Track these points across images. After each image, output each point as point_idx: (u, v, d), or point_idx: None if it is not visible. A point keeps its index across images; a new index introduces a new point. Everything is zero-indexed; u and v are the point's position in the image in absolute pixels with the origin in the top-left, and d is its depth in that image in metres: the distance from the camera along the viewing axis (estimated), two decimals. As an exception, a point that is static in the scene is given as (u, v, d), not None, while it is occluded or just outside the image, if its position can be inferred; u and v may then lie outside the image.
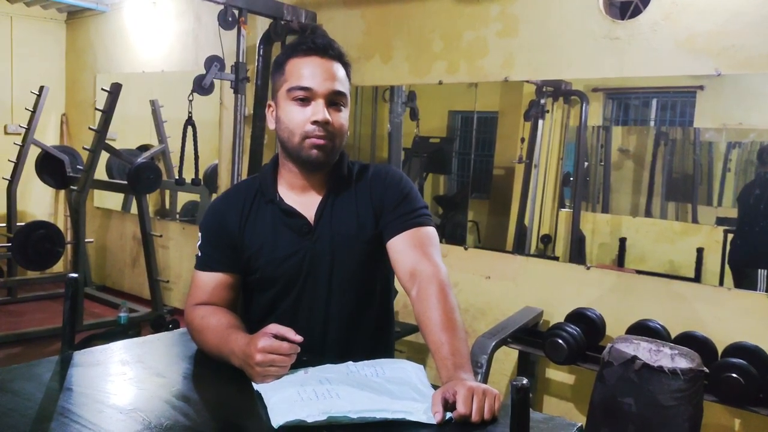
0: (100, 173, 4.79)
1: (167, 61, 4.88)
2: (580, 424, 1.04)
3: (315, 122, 1.30)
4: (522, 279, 3.21)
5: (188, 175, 3.96)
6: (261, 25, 3.87)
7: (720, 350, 2.50)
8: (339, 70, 1.35)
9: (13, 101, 5.47)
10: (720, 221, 2.82)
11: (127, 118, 4.91)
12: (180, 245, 4.86)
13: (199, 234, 1.43)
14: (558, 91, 3.21)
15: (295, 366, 1.17)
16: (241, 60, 3.55)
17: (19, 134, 5.09)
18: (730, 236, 2.77)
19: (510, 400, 0.89)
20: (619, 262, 3.06)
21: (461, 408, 1.00)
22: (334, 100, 1.33)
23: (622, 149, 3.19)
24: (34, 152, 4.93)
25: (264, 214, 1.39)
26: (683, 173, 3.01)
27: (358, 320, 1.40)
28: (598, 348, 2.57)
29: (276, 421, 0.98)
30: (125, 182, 4.42)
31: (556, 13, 3.04)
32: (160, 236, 4.71)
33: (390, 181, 1.41)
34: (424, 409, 1.02)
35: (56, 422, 0.98)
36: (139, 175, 4.27)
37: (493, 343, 2.56)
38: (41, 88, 5.00)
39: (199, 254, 1.41)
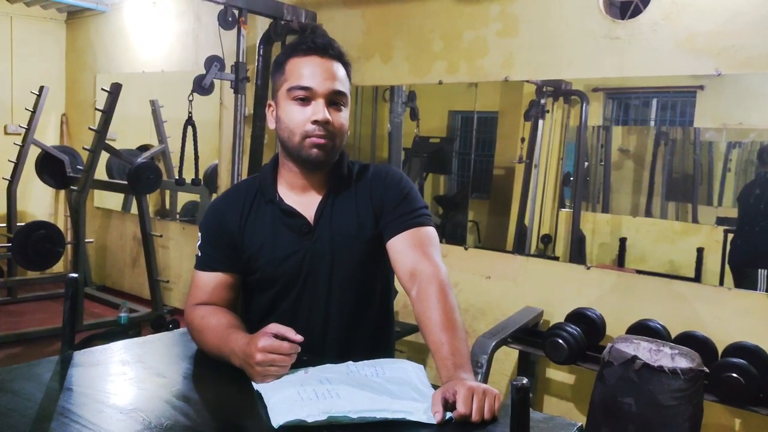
0: (100, 173, 4.79)
1: (167, 61, 4.89)
2: (580, 424, 1.04)
3: (315, 122, 1.30)
4: (522, 279, 3.21)
5: (188, 175, 3.96)
6: (261, 25, 3.87)
7: (720, 350, 2.50)
8: (339, 69, 1.35)
9: (13, 101, 5.47)
10: (720, 221, 2.82)
11: (127, 118, 4.91)
12: (180, 245, 4.86)
13: (199, 234, 1.43)
14: (558, 90, 3.21)
15: (296, 366, 1.17)
16: (241, 60, 3.55)
17: (19, 134, 5.09)
18: (730, 236, 2.77)
19: (510, 400, 0.88)
20: (620, 262, 3.06)
21: (461, 408, 1.00)
22: (334, 100, 1.33)
23: (623, 149, 3.19)
24: (34, 152, 4.93)
25: (264, 214, 1.39)
26: (683, 173, 3.01)
27: (358, 320, 1.40)
28: (599, 348, 2.57)
29: (276, 421, 0.98)
30: (125, 182, 4.42)
31: (557, 13, 3.04)
32: (161, 236, 4.71)
33: (390, 181, 1.41)
34: (424, 409, 1.02)
35: (56, 422, 0.98)
36: (139, 175, 4.27)
37: (494, 343, 2.56)
38: (41, 88, 5.00)
39: (199, 254, 1.41)
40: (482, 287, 3.33)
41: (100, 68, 5.49)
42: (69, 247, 4.84)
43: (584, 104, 3.13)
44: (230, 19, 3.40)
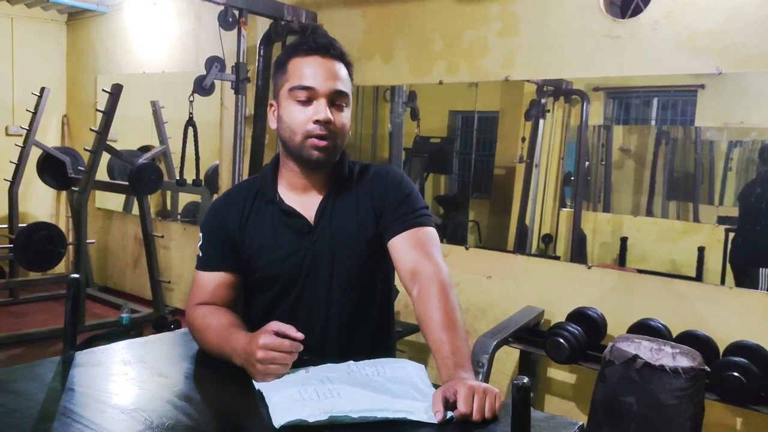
0: (102, 174, 4.80)
1: (168, 61, 4.89)
2: (581, 423, 1.04)
3: (317, 121, 1.30)
4: (523, 278, 3.21)
5: (189, 176, 3.97)
6: (261, 25, 3.87)
7: (721, 349, 2.50)
8: (341, 69, 1.35)
9: (14, 102, 5.48)
10: (721, 220, 2.82)
11: (128, 119, 4.92)
12: (181, 246, 4.86)
13: (200, 234, 1.43)
14: (559, 90, 3.21)
15: (296, 365, 1.17)
16: (241, 60, 3.55)
17: (21, 135, 5.10)
18: (731, 235, 2.77)
19: (511, 399, 0.89)
20: (621, 262, 3.06)
21: (462, 407, 1.00)
22: (335, 100, 1.33)
23: (623, 148, 3.18)
24: (35, 153, 4.94)
25: (264, 215, 1.39)
26: (684, 172, 3.01)
27: (358, 320, 1.40)
28: (600, 347, 2.57)
29: (277, 421, 0.98)
30: (126, 183, 4.43)
31: (557, 12, 3.04)
32: (162, 237, 4.71)
33: (391, 181, 1.41)
34: (425, 409, 1.02)
35: (58, 422, 0.98)
36: (140, 176, 4.27)
37: (495, 343, 2.56)
38: (42, 90, 5.01)
39: (200, 254, 1.41)
40: (483, 287, 3.33)
41: (101, 69, 5.49)
42: (70, 247, 4.85)
43: (585, 104, 3.13)
44: (230, 19, 3.40)
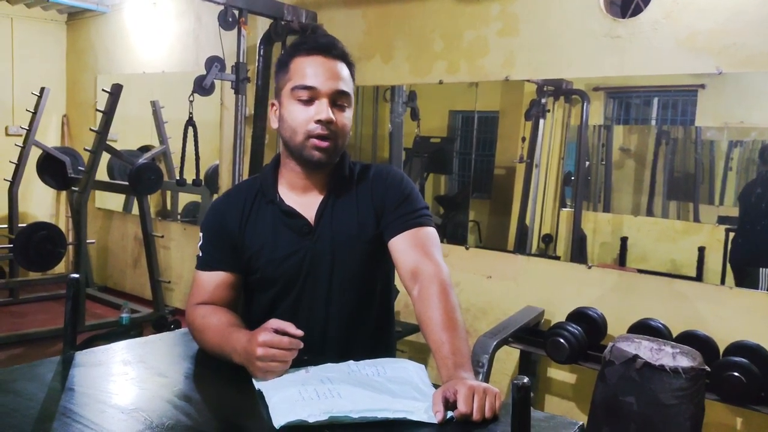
0: (102, 174, 4.80)
1: (168, 61, 4.89)
2: (581, 423, 1.04)
3: (318, 121, 1.30)
4: (523, 278, 3.21)
5: (189, 176, 3.97)
6: (261, 25, 3.87)
7: (721, 349, 2.50)
8: (343, 69, 1.35)
9: (14, 102, 5.48)
10: (721, 220, 2.82)
11: (127, 119, 4.92)
12: (181, 246, 4.86)
13: (201, 234, 1.43)
14: (559, 90, 3.21)
15: (296, 365, 1.17)
16: (241, 60, 3.55)
17: (20, 135, 5.10)
18: (731, 235, 2.77)
19: (511, 399, 0.88)
20: (621, 262, 3.06)
21: (462, 407, 1.00)
22: (337, 100, 1.33)
23: (624, 148, 3.18)
24: (35, 153, 4.94)
25: (264, 215, 1.39)
26: (685, 172, 3.01)
27: (358, 320, 1.40)
28: (600, 347, 2.57)
29: (277, 421, 0.98)
30: (126, 183, 4.43)
31: (557, 12, 3.04)
32: (162, 237, 4.71)
33: (391, 181, 1.41)
34: (425, 408, 1.02)
35: (58, 422, 0.98)
36: (140, 175, 4.27)
37: (495, 343, 2.56)
38: (42, 90, 5.01)
39: (200, 254, 1.41)
40: (483, 287, 3.33)
41: (101, 69, 5.49)
42: (70, 247, 4.85)
43: (585, 103, 3.13)
44: (230, 19, 3.40)
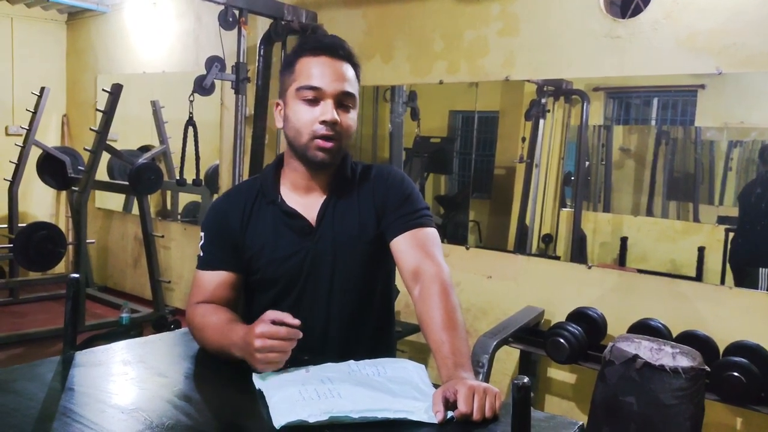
0: (102, 174, 4.80)
1: (168, 61, 4.89)
2: (581, 423, 1.04)
3: (323, 122, 1.30)
4: (523, 278, 3.21)
5: (189, 176, 3.97)
6: (261, 25, 3.87)
7: (721, 349, 2.50)
8: (348, 70, 1.35)
9: (14, 102, 5.48)
10: (721, 220, 2.82)
11: (128, 118, 4.92)
12: (181, 246, 4.86)
13: (201, 234, 1.43)
14: (559, 90, 3.21)
15: (297, 365, 1.17)
16: (241, 60, 3.56)
17: (20, 135, 5.10)
18: (731, 235, 2.77)
19: (511, 399, 0.89)
20: (621, 262, 3.06)
21: (462, 407, 1.00)
22: (343, 101, 1.33)
23: (624, 148, 3.18)
24: (35, 153, 4.94)
25: (265, 215, 1.40)
26: (684, 172, 3.01)
27: (359, 320, 1.40)
28: (600, 347, 2.57)
29: (278, 421, 0.98)
30: (126, 183, 4.43)
31: (557, 12, 3.04)
32: (162, 237, 4.71)
33: (392, 181, 1.41)
34: (425, 408, 1.02)
35: (58, 422, 0.98)
36: (140, 175, 4.27)
37: (495, 343, 2.56)
38: (42, 89, 5.01)
39: (201, 254, 1.41)
40: (483, 287, 3.33)
41: (101, 69, 5.49)
42: (70, 247, 4.85)
43: (585, 104, 3.13)
44: (231, 19, 3.41)
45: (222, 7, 3.38)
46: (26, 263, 4.45)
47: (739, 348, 2.44)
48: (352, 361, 1.21)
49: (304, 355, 1.20)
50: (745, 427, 2.63)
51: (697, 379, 1.99)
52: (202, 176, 4.07)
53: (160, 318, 4.34)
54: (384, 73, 3.67)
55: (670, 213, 3.02)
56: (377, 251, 1.38)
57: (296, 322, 1.14)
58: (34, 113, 4.97)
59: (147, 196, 4.48)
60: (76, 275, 1.29)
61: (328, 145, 1.32)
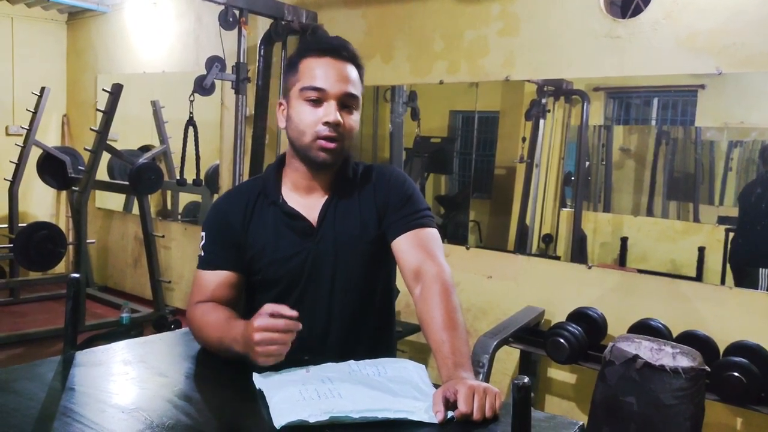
0: (102, 174, 4.80)
1: (168, 61, 4.89)
2: (581, 423, 1.04)
3: (326, 123, 1.31)
4: (523, 278, 3.21)
5: (190, 176, 3.97)
6: (262, 25, 3.88)
7: (721, 349, 2.50)
8: (352, 72, 1.36)
9: (15, 102, 5.48)
10: (721, 220, 2.82)
11: (128, 118, 4.92)
12: (182, 246, 4.86)
13: (203, 234, 1.43)
14: (559, 90, 3.21)
15: (297, 365, 1.17)
16: (242, 60, 3.56)
17: (21, 135, 5.10)
18: (731, 235, 2.77)
19: (512, 399, 0.89)
20: (621, 262, 3.06)
21: (462, 407, 1.00)
22: (346, 103, 1.33)
23: (624, 148, 3.18)
24: (35, 153, 4.94)
25: (266, 216, 1.40)
26: (685, 172, 3.01)
27: (360, 320, 1.40)
28: (600, 347, 2.57)
29: (278, 421, 0.98)
30: (127, 183, 4.43)
31: (557, 12, 3.04)
32: (162, 237, 4.71)
33: (394, 182, 1.42)
34: (425, 408, 1.02)
35: (59, 422, 0.98)
36: (141, 175, 4.27)
37: (495, 343, 2.56)
38: (42, 89, 5.01)
39: (203, 254, 1.41)
40: (484, 287, 3.33)
41: (101, 69, 5.50)
42: (71, 247, 4.86)
43: (585, 104, 3.13)
44: (231, 19, 3.41)
45: (222, 7, 3.38)
46: (26, 263, 4.45)
47: (739, 348, 2.44)
48: (352, 361, 1.21)
49: (304, 355, 1.19)
50: (745, 427, 2.63)
51: (697, 379, 1.99)
52: (202, 176, 4.07)
53: (160, 318, 4.34)
54: (384, 73, 3.67)
55: (670, 213, 3.02)
56: (378, 251, 1.38)
57: (294, 313, 1.14)
58: (35, 113, 4.97)
59: (147, 196, 4.48)
60: (77, 275, 1.29)
61: (331, 146, 1.32)
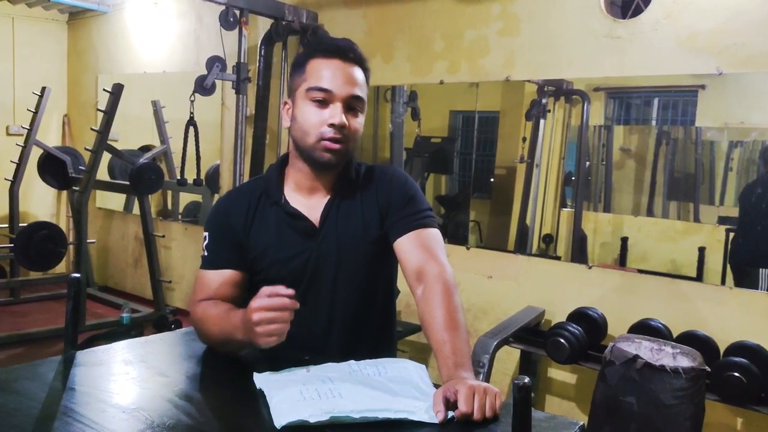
0: (102, 174, 4.81)
1: (169, 61, 4.89)
2: (582, 423, 1.04)
3: (332, 125, 1.31)
4: (524, 278, 3.21)
5: (190, 176, 3.97)
6: (262, 25, 3.88)
7: (722, 349, 2.50)
8: (359, 74, 1.36)
9: (15, 102, 5.48)
10: (722, 220, 2.82)
11: (128, 118, 4.92)
12: (182, 245, 4.87)
13: (205, 234, 1.42)
14: (559, 90, 3.21)
15: (298, 365, 1.17)
16: (242, 60, 3.56)
17: (21, 135, 5.10)
18: (731, 235, 2.77)
19: (512, 399, 0.89)
20: (621, 262, 3.06)
21: (463, 406, 1.00)
22: (352, 105, 1.34)
23: (624, 148, 3.19)
24: (36, 153, 4.94)
25: (269, 216, 1.40)
26: (685, 172, 3.01)
27: (361, 320, 1.41)
28: (600, 347, 2.57)
29: (279, 421, 0.98)
30: (127, 183, 4.43)
31: (558, 12, 3.04)
32: (163, 237, 4.71)
33: (396, 182, 1.42)
34: (425, 408, 1.02)
35: (59, 422, 0.98)
36: (141, 175, 4.28)
37: (495, 343, 2.56)
38: (43, 89, 5.01)
39: (205, 254, 1.41)
40: (484, 287, 3.33)
41: (102, 69, 5.50)
42: (71, 247, 4.86)
43: (585, 104, 3.13)
44: (231, 19, 3.41)
45: (223, 7, 3.38)
46: (27, 263, 4.46)
47: (739, 348, 2.44)
48: (352, 361, 1.21)
49: (305, 355, 1.19)
50: (745, 427, 2.63)
51: (697, 380, 1.99)
52: (202, 176, 4.07)
53: (160, 318, 4.34)
54: (384, 73, 3.67)
55: (670, 213, 3.02)
56: (380, 251, 1.39)
57: (290, 291, 1.14)
58: (35, 113, 4.97)
59: (148, 196, 4.48)
60: (77, 275, 1.29)
61: (336, 147, 1.32)
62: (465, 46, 3.35)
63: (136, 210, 4.88)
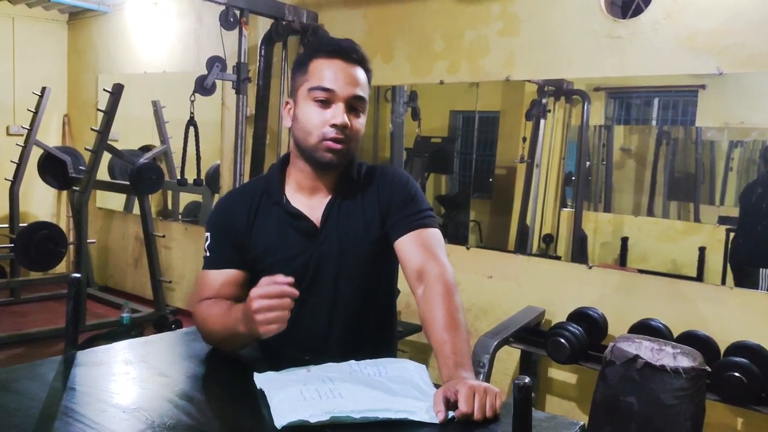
0: (102, 174, 4.80)
1: (169, 61, 4.89)
2: (582, 423, 1.04)
3: (334, 125, 1.31)
4: (524, 278, 3.21)
5: (190, 176, 3.97)
6: (262, 25, 3.88)
7: (722, 349, 2.50)
8: (361, 75, 1.36)
9: (15, 102, 5.48)
10: (722, 220, 2.82)
11: (129, 118, 4.92)
12: (182, 245, 4.87)
13: (206, 234, 1.42)
14: (559, 90, 3.21)
15: (298, 365, 1.17)
16: (242, 60, 3.56)
17: (22, 135, 5.10)
18: (732, 235, 2.77)
19: (512, 399, 0.89)
20: (621, 262, 3.06)
21: (463, 406, 1.00)
22: (354, 105, 1.34)
23: (624, 148, 3.19)
24: (36, 153, 4.94)
25: (270, 216, 1.40)
26: (685, 172, 3.01)
27: (362, 320, 1.41)
28: (600, 347, 2.57)
29: (279, 421, 0.98)
30: (127, 183, 4.43)
31: (558, 12, 3.04)
32: (163, 236, 4.71)
33: (397, 182, 1.42)
34: (426, 408, 1.02)
35: (60, 421, 0.98)
36: (141, 175, 4.28)
37: (495, 343, 2.56)
38: (43, 89, 5.01)
39: (208, 254, 1.41)
40: (484, 287, 3.33)
41: (102, 69, 5.50)
42: (71, 247, 4.86)
43: (586, 104, 3.13)
44: (232, 19, 3.41)
45: (223, 7, 3.38)
46: (27, 263, 4.46)
47: (739, 348, 2.44)
48: (353, 361, 1.21)
49: (306, 355, 1.19)
50: (745, 427, 2.63)
51: (697, 380, 1.99)
52: (203, 176, 4.07)
53: (161, 318, 4.34)
54: (384, 73, 3.67)
55: (670, 213, 3.02)
56: (381, 251, 1.39)
57: (289, 279, 1.14)
58: (36, 113, 4.97)
59: (148, 196, 4.48)
60: (77, 275, 1.29)
61: (337, 147, 1.32)
62: (465, 46, 3.35)
63: (136, 210, 4.88)
